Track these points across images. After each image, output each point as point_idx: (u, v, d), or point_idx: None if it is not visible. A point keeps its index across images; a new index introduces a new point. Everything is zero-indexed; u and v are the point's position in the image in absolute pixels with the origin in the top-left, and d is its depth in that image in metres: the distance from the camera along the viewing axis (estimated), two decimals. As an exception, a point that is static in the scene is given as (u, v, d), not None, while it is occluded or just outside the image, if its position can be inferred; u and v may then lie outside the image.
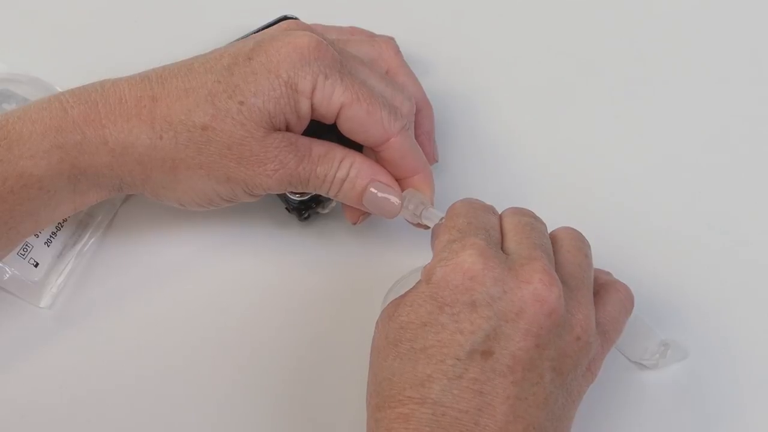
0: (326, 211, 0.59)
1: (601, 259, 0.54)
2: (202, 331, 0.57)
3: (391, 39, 0.60)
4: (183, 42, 0.57)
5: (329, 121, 0.53)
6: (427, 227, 0.54)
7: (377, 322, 0.49)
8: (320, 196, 0.56)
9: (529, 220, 0.50)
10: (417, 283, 0.48)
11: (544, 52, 0.69)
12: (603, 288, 0.51)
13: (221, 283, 0.59)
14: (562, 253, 0.50)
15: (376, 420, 0.46)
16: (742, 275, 0.60)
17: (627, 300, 0.52)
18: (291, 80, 0.51)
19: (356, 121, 0.52)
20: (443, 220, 0.51)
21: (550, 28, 0.69)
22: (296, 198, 0.57)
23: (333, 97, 0.51)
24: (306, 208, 0.59)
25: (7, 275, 0.57)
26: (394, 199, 0.54)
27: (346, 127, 0.53)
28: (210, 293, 0.58)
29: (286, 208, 0.59)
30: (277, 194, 0.58)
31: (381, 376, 0.47)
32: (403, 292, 0.49)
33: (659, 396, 0.56)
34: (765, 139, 0.65)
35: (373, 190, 0.53)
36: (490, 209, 0.51)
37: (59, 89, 0.62)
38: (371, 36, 0.61)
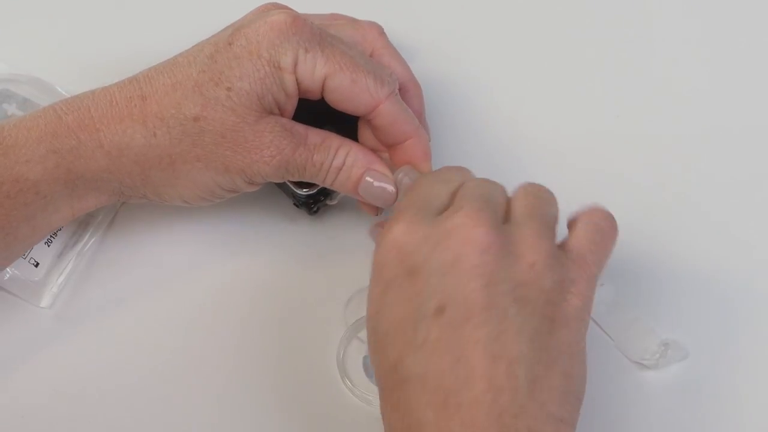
0: (335, 201, 0.59)
1: None
2: (205, 330, 0.57)
3: (375, 23, 0.60)
4: (183, 42, 0.56)
5: (315, 95, 0.53)
6: None
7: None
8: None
9: (479, 182, 0.50)
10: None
11: (537, 36, 0.68)
12: (575, 218, 0.50)
13: (223, 282, 0.58)
14: (513, 201, 0.49)
15: (382, 415, 0.47)
16: (742, 275, 0.59)
17: (603, 221, 0.50)
18: (273, 58, 0.51)
19: (342, 90, 0.52)
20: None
21: (542, 9, 0.69)
22: (303, 192, 0.57)
23: (316, 70, 0.51)
24: (315, 201, 0.58)
25: (8, 275, 0.57)
26: (389, 188, 0.54)
27: (332, 99, 0.53)
28: (212, 292, 0.58)
29: (295, 204, 0.59)
30: (284, 191, 0.58)
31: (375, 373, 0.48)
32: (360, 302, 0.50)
33: (659, 396, 0.56)
34: (766, 138, 0.65)
35: (368, 179, 0.54)
36: (449, 179, 0.50)
37: (60, 89, 0.62)
38: (354, 20, 0.61)
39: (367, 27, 0.59)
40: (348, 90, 0.52)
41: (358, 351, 0.56)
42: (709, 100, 0.66)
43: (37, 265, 0.57)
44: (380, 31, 0.59)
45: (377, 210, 0.57)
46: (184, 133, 0.51)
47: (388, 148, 0.55)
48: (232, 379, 0.56)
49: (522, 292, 0.45)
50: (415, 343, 0.45)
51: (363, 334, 0.53)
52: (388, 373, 0.45)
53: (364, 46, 0.58)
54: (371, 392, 0.53)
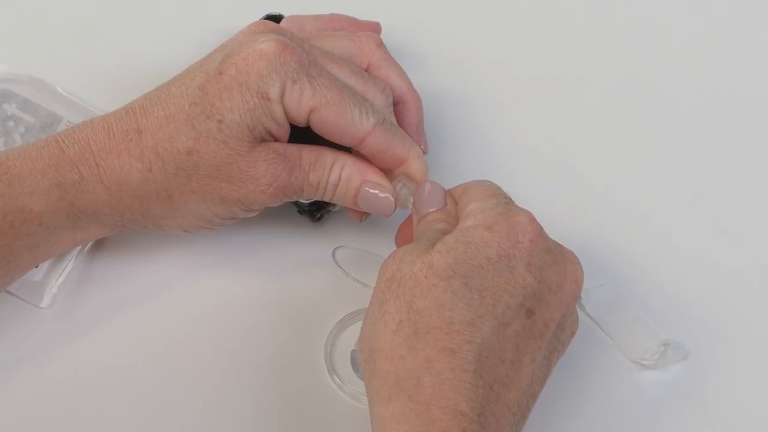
0: (338, 207, 0.59)
1: (601, 258, 0.57)
2: (202, 330, 0.57)
3: (373, 33, 0.59)
4: (182, 42, 0.57)
5: (302, 124, 0.52)
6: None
7: (396, 260, 0.49)
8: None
9: None
10: (465, 228, 0.49)
11: (543, 47, 0.68)
12: None
13: (224, 285, 0.58)
14: None
15: (411, 347, 0.46)
16: (742, 275, 0.59)
17: None
18: (261, 89, 0.51)
19: (327, 124, 0.52)
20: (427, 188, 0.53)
21: (548, 21, 0.69)
22: (306, 200, 0.57)
23: (302, 102, 0.51)
24: (318, 208, 0.58)
25: (8, 275, 0.56)
26: (386, 196, 0.53)
27: (318, 130, 0.52)
28: (212, 294, 0.58)
29: (298, 211, 0.59)
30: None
31: (421, 305, 0.47)
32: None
33: (659, 396, 0.56)
34: (766, 139, 0.65)
35: (365, 190, 0.53)
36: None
37: (60, 89, 0.62)
38: (353, 22, 0.61)
39: (365, 39, 0.58)
40: (333, 124, 0.52)
41: (346, 345, 0.55)
42: (708, 106, 0.66)
43: (36, 265, 0.56)
44: (378, 43, 0.58)
45: (363, 215, 0.57)
46: (179, 167, 0.51)
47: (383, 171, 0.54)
48: (225, 377, 0.56)
49: (561, 351, 0.50)
50: (501, 318, 0.47)
51: (353, 328, 0.55)
52: (461, 322, 0.46)
53: (360, 58, 0.57)
54: (360, 387, 0.52)
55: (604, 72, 0.67)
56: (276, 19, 0.61)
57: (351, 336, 0.54)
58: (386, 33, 0.62)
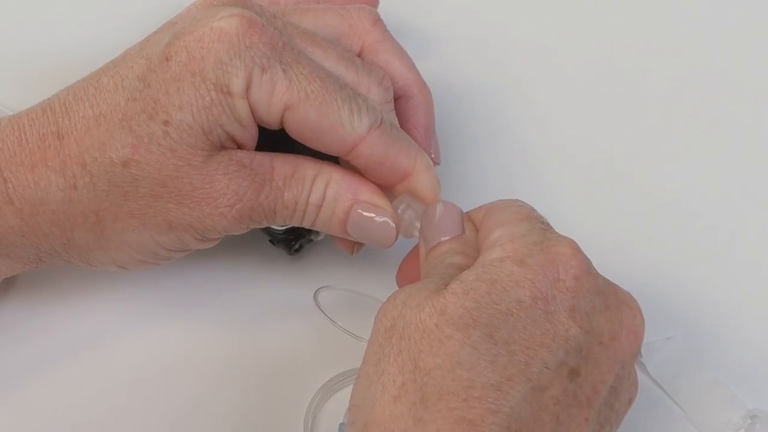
0: (321, 237, 0.55)
1: (668, 303, 0.53)
2: (146, 400, 0.51)
3: (369, 6, 0.55)
4: (117, 18, 0.55)
5: (274, 126, 0.47)
6: None
7: (398, 304, 0.44)
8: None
9: None
10: (489, 261, 0.45)
11: (590, 23, 0.66)
12: None
13: (171, 339, 0.53)
14: None
15: (418, 419, 0.42)
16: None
17: None
18: (220, 81, 0.46)
19: (307, 126, 0.47)
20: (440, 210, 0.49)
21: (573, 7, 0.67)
22: (281, 227, 0.53)
23: (274, 96, 0.46)
24: (296, 237, 0.54)
25: None
26: (384, 221, 0.49)
27: (296, 134, 0.48)
28: (155, 353, 0.52)
29: (270, 241, 0.55)
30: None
31: (430, 363, 0.42)
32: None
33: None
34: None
35: (358, 213, 0.49)
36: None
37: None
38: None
39: (357, 14, 0.54)
40: (315, 127, 0.47)
41: (333, 418, 0.51)
42: (716, 109, 0.62)
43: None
44: (374, 19, 0.54)
45: (354, 246, 0.52)
46: (112, 183, 0.47)
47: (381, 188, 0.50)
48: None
49: (617, 420, 0.45)
50: (536, 381, 0.42)
51: (340, 395, 0.51)
52: (484, 386, 0.41)
53: (351, 39, 0.54)
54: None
55: (672, 55, 0.64)
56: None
57: (339, 405, 0.50)
58: (385, 6, 0.59)
